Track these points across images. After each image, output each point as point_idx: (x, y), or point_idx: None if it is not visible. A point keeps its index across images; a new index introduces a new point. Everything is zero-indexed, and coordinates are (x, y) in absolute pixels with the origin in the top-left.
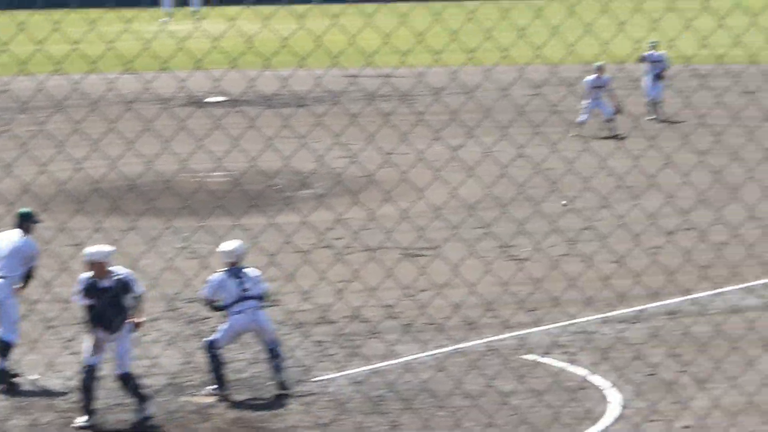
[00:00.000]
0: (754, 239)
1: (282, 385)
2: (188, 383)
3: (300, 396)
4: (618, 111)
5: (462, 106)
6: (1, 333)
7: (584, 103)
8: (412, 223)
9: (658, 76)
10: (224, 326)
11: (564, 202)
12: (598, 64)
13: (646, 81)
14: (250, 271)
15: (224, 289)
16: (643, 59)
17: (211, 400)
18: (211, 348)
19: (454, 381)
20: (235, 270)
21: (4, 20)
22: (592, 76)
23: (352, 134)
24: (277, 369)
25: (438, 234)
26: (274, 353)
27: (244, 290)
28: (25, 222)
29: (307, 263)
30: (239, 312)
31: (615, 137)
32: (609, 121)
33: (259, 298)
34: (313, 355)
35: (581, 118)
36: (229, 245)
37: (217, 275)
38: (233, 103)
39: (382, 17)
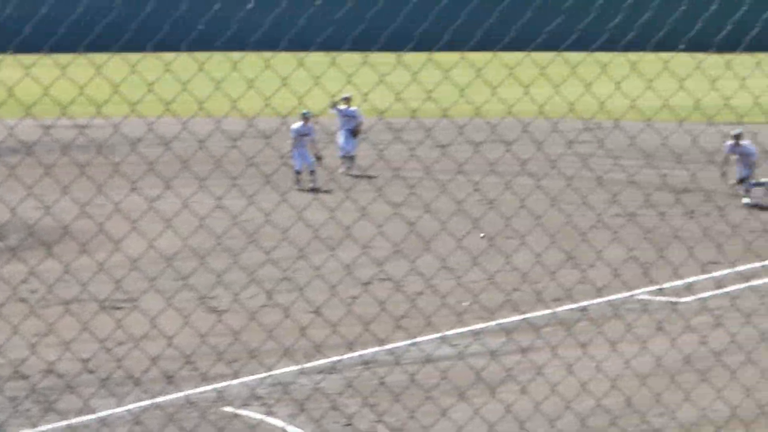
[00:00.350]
0: (448, 289)
1: None
2: None
3: None
4: (319, 159)
5: (159, 157)
6: None
7: (294, 152)
8: (109, 275)
9: (352, 132)
10: None
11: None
12: (305, 111)
13: (340, 135)
14: None
15: None
16: (335, 108)
17: None
18: None
19: None
20: None
21: None
22: (298, 124)
23: (47, 185)
24: None
25: (136, 286)
26: None
27: None
28: None
29: (0, 317)
30: None
31: (314, 190)
32: (311, 172)
33: None
34: (7, 410)
35: (296, 166)
36: None
37: None
38: None
39: (77, 68)
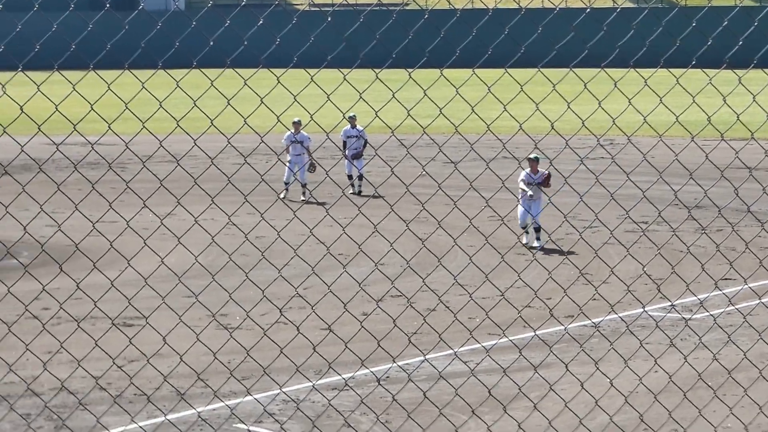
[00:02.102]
0: (459, 305)
1: None
2: None
3: None
4: (312, 168)
5: (170, 174)
6: None
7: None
8: (120, 292)
9: (356, 156)
10: None
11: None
12: (296, 119)
13: (348, 155)
14: None
15: None
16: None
17: None
18: None
19: None
20: None
21: None
22: (289, 132)
23: (61, 202)
24: None
25: (147, 303)
26: None
27: None
28: None
29: (12, 334)
30: None
31: (308, 202)
32: (304, 185)
33: None
34: (20, 428)
35: (285, 177)
36: None
37: None
38: None
39: (88, 85)
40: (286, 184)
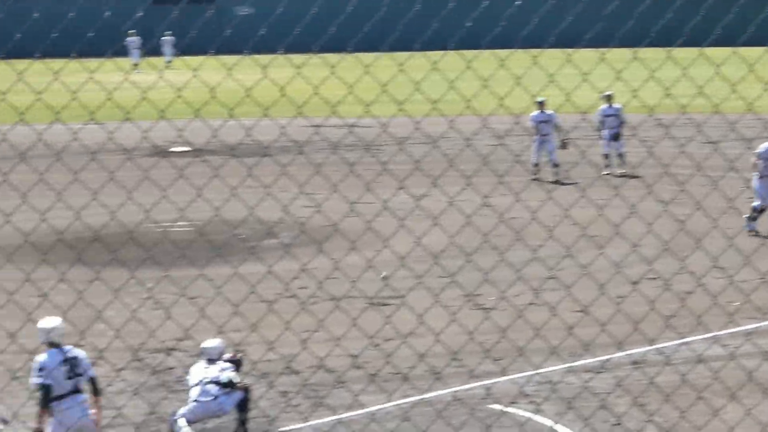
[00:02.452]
0: (719, 289)
1: None
2: None
3: None
4: (564, 145)
5: (426, 155)
6: None
7: (534, 142)
8: (377, 272)
9: (615, 136)
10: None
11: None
12: (540, 99)
13: (604, 134)
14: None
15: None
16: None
17: None
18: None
19: (420, 431)
20: (59, 352)
21: None
22: (536, 112)
23: (317, 184)
24: None
25: (403, 283)
26: None
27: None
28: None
29: (272, 313)
30: (68, 408)
31: (556, 182)
32: (554, 165)
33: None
34: (278, 405)
35: (533, 159)
36: (46, 322)
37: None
38: (197, 152)
39: (346, 67)
40: (534, 165)
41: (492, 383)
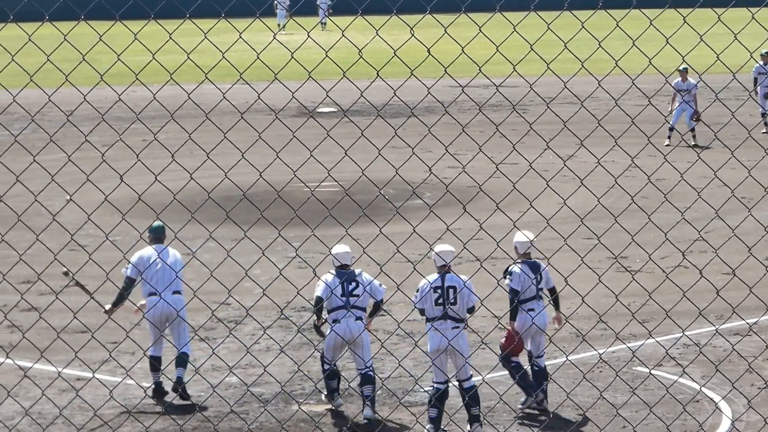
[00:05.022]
0: None
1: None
2: (300, 392)
3: (409, 406)
4: (697, 118)
5: (573, 116)
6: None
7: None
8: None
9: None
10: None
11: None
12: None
13: (760, 92)
14: (364, 279)
15: (332, 294)
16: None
17: (321, 408)
18: (323, 357)
19: (566, 392)
20: (344, 274)
21: (121, 29)
22: (677, 80)
23: (462, 144)
24: (369, 400)
25: (548, 244)
26: (365, 378)
27: (350, 297)
28: (163, 234)
29: (417, 273)
30: (336, 321)
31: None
32: (692, 129)
33: (363, 308)
34: (423, 365)
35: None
36: (338, 248)
37: (329, 277)
38: (343, 113)
39: (493, 28)
40: (670, 129)
41: (638, 346)
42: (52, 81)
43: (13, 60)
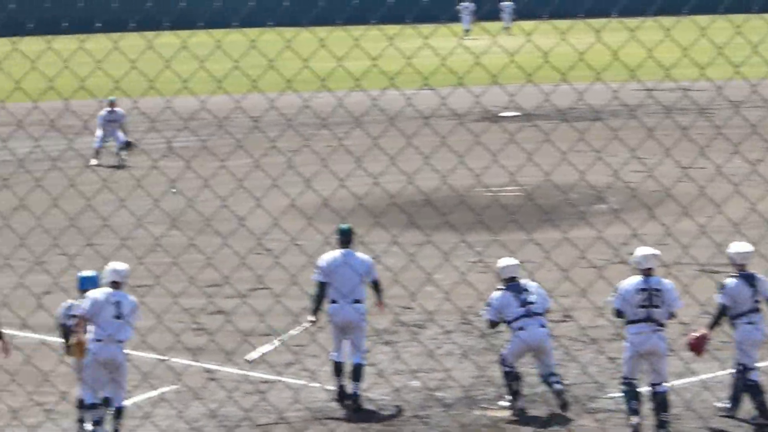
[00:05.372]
0: None
1: (564, 406)
2: (482, 396)
3: (593, 413)
4: None
5: (762, 120)
6: (351, 356)
7: None
8: (709, 238)
9: None
10: (510, 343)
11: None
12: None
13: None
14: (532, 286)
15: (507, 307)
16: None
17: (505, 414)
18: (504, 362)
19: (755, 402)
20: (515, 285)
21: (307, 36)
22: None
23: (649, 148)
24: (557, 393)
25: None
26: (549, 380)
27: (528, 305)
28: (351, 237)
29: (602, 278)
30: (522, 328)
31: None
32: None
33: (542, 314)
34: (607, 371)
35: None
36: (506, 261)
37: (497, 294)
38: (527, 117)
39: (681, 31)
40: None
41: None
42: (240, 87)
43: (201, 66)
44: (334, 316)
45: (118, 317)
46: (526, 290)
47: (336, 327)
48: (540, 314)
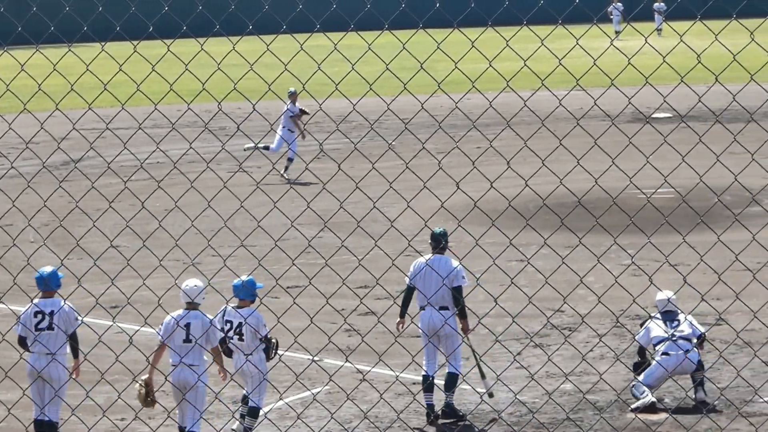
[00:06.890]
0: None
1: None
2: (634, 400)
3: (748, 416)
4: None
5: None
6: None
7: None
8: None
9: None
10: (651, 368)
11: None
12: None
13: None
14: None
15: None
16: None
17: (658, 417)
18: (637, 381)
19: None
20: (668, 312)
21: (459, 38)
22: None
23: None
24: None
25: None
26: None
27: (675, 332)
28: (444, 241)
29: (756, 282)
30: (666, 354)
31: None
32: None
33: (690, 339)
34: (761, 375)
35: None
36: (663, 294)
37: (648, 322)
38: (680, 119)
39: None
40: None
41: None
42: (389, 89)
43: (353, 69)
44: (421, 323)
45: (188, 341)
46: (677, 317)
47: (425, 335)
48: (687, 339)
